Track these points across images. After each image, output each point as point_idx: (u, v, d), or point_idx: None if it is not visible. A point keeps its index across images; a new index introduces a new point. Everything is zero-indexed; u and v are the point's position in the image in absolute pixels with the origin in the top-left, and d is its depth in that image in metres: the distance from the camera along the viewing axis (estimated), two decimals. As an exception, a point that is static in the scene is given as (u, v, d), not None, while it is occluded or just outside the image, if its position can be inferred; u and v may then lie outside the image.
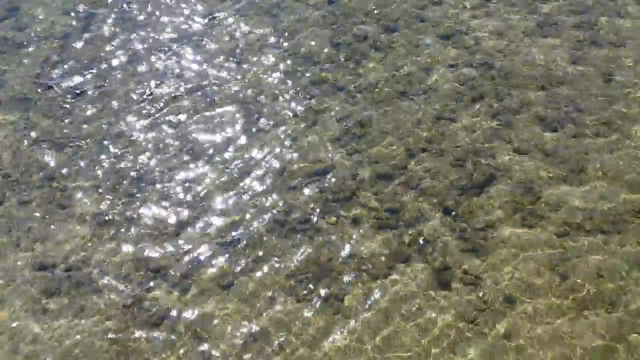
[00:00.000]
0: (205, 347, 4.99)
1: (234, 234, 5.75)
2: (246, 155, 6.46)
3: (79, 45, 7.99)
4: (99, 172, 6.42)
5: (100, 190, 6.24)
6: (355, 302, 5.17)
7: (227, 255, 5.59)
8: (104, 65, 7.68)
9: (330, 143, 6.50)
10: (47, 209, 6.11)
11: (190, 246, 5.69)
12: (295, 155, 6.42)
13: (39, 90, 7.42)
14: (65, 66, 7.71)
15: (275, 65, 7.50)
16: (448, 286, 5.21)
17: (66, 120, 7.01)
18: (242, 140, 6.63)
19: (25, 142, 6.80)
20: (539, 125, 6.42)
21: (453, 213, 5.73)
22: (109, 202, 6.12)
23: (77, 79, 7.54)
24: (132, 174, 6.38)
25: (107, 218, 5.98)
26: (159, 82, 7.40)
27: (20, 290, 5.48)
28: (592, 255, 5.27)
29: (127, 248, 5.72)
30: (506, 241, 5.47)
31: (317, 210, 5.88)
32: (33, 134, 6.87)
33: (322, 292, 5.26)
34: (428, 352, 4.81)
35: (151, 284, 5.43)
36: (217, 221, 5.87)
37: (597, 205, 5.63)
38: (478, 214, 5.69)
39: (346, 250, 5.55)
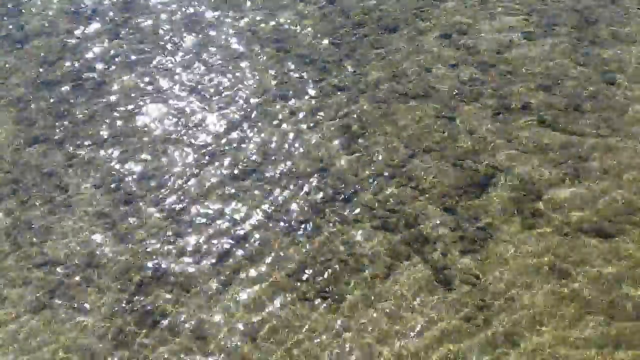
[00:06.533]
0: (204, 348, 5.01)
1: (234, 232, 5.76)
2: (246, 155, 6.46)
3: (79, 43, 7.99)
4: (99, 172, 6.41)
5: (100, 190, 6.24)
6: (356, 301, 5.17)
7: (226, 255, 5.59)
8: (104, 64, 7.67)
9: (331, 142, 6.50)
10: (48, 208, 6.10)
11: (190, 247, 5.70)
12: (295, 154, 6.42)
13: (40, 88, 7.42)
14: (66, 64, 7.71)
15: (275, 64, 7.49)
16: (448, 285, 5.21)
17: (66, 119, 7.01)
18: (242, 140, 6.63)
19: (26, 140, 6.79)
20: (539, 124, 6.41)
21: (453, 212, 5.73)
22: (109, 202, 6.12)
23: (78, 77, 7.54)
24: (132, 174, 6.38)
25: (107, 217, 5.99)
26: (158, 79, 7.40)
27: (20, 289, 5.48)
28: (593, 255, 5.27)
29: (127, 245, 5.73)
30: (506, 241, 5.46)
31: (318, 209, 5.88)
32: (33, 132, 6.86)
33: (322, 291, 5.26)
34: (428, 351, 4.81)
35: (150, 283, 5.44)
36: (216, 221, 5.87)
37: (598, 205, 5.62)
38: (478, 214, 5.69)
39: (346, 249, 5.55)
